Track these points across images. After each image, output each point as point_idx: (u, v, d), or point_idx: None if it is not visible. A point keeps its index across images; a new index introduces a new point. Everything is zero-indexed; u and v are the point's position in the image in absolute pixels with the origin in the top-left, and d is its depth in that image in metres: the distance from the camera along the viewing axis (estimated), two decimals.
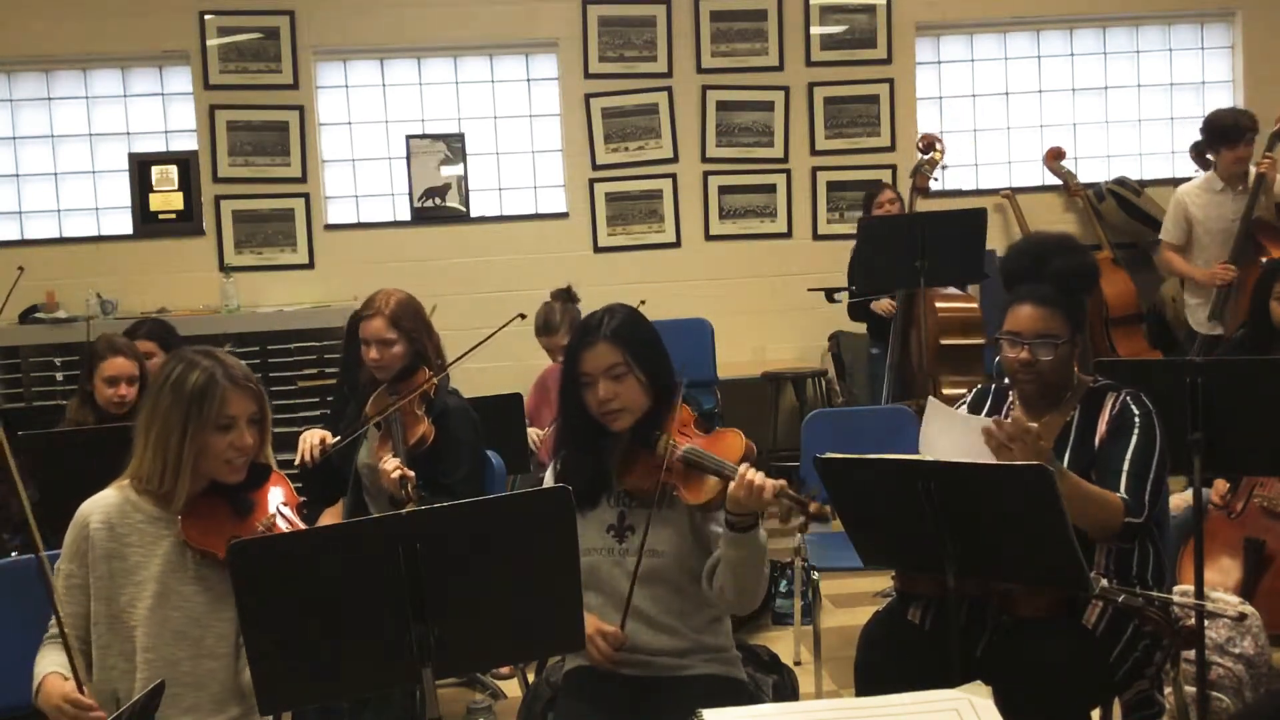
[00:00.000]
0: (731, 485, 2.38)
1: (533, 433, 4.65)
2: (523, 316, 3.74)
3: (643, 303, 3.04)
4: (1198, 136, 5.67)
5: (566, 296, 5.02)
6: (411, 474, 3.21)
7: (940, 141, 6.24)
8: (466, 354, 3.63)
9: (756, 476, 2.36)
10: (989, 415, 2.92)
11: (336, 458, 3.56)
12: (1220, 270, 5.43)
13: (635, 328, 2.63)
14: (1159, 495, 2.69)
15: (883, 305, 5.73)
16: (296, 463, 3.47)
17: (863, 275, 5.20)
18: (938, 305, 5.50)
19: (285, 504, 2.55)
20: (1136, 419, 2.73)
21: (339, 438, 3.52)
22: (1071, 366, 2.82)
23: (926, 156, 6.20)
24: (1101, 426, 2.76)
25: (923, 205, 6.09)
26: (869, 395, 6.06)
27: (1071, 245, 2.94)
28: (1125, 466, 2.67)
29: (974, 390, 3.04)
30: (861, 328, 6.29)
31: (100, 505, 2.46)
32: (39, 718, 2.59)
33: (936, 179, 6.31)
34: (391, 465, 3.23)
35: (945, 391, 5.20)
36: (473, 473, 3.53)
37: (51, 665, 2.36)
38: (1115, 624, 2.63)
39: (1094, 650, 2.60)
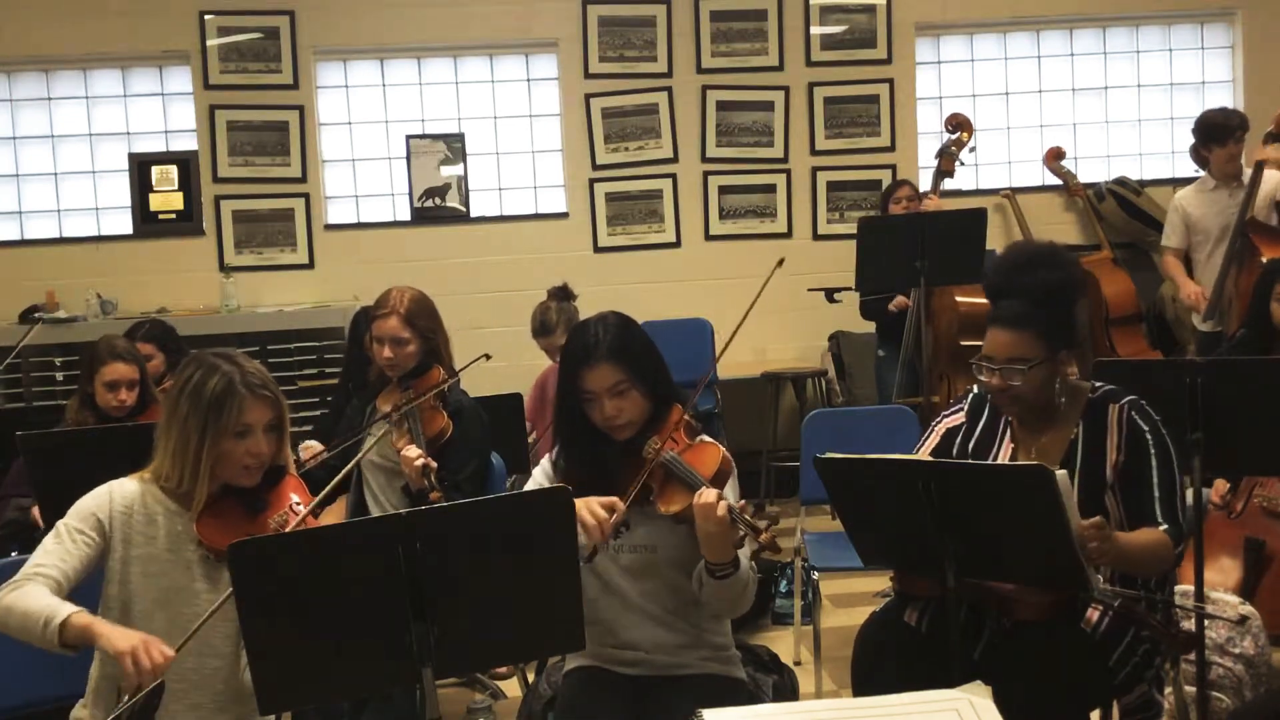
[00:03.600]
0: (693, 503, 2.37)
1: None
2: (487, 357, 3.59)
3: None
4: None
5: (562, 295, 5.01)
6: (434, 464, 3.22)
7: (970, 122, 6.17)
8: (469, 365, 3.61)
9: (711, 497, 2.35)
10: (986, 423, 2.88)
11: (338, 458, 3.56)
12: (1195, 296, 5.49)
13: (631, 340, 2.62)
14: (1185, 511, 2.64)
15: (897, 302, 5.71)
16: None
17: (863, 275, 5.19)
18: (958, 299, 5.49)
19: (299, 503, 2.56)
20: (1148, 435, 2.65)
21: (322, 450, 3.53)
22: (1053, 385, 2.71)
23: (954, 136, 6.14)
24: (1111, 449, 2.68)
25: (934, 202, 6.06)
26: (876, 398, 6.03)
27: (1050, 258, 2.79)
28: (1156, 493, 2.61)
29: (970, 395, 2.96)
30: (861, 327, 6.29)
31: (123, 490, 2.47)
32: (42, 716, 2.61)
33: (963, 162, 6.26)
34: (415, 453, 3.24)
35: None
36: (479, 472, 3.54)
37: (65, 604, 2.24)
38: (1115, 627, 2.61)
39: (1093, 654, 2.60)
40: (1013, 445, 2.81)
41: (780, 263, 2.81)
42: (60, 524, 2.42)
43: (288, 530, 2.47)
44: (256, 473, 2.49)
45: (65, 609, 2.22)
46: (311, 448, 3.85)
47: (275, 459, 2.53)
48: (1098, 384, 2.80)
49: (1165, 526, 2.58)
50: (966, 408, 2.93)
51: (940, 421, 2.97)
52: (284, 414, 2.53)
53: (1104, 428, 2.71)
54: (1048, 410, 2.75)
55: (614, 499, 2.46)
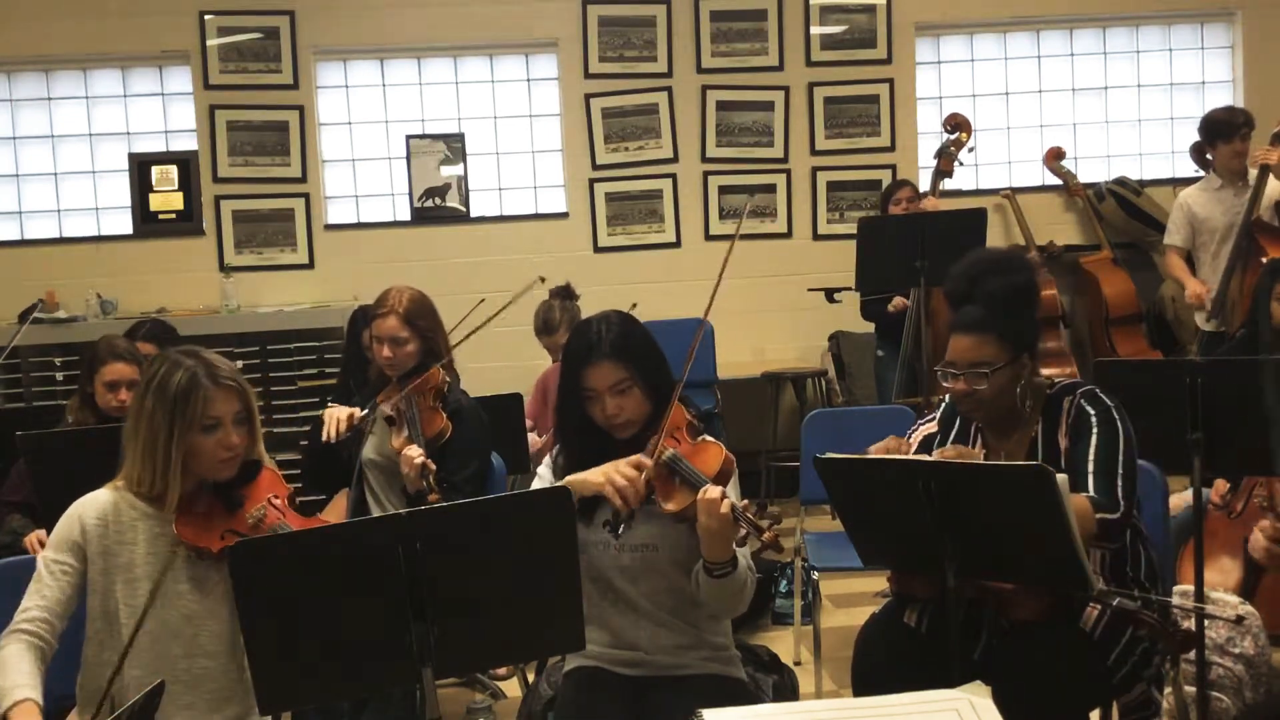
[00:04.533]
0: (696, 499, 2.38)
1: (536, 438, 4.65)
2: (543, 280, 3.52)
3: (634, 306, 3.04)
4: (1198, 137, 5.68)
5: (565, 294, 5.01)
6: (433, 464, 3.22)
7: (969, 122, 6.19)
8: (487, 322, 3.60)
9: (715, 493, 2.36)
10: (959, 432, 2.91)
11: (341, 446, 3.57)
12: (1200, 295, 5.46)
13: (633, 339, 2.62)
14: (1133, 487, 2.64)
15: (895, 303, 5.73)
16: (323, 439, 3.48)
17: (863, 275, 5.19)
18: None
19: (275, 496, 2.56)
20: (1093, 417, 2.68)
21: (366, 412, 3.52)
22: (1016, 389, 2.74)
23: (953, 136, 6.16)
24: (1061, 437, 2.72)
25: (933, 203, 6.07)
26: (876, 398, 6.04)
27: (1003, 264, 2.84)
28: (1090, 466, 2.63)
29: (943, 404, 2.98)
30: (861, 327, 6.28)
31: (94, 503, 2.46)
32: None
33: (962, 162, 6.28)
34: (415, 453, 3.23)
35: None
36: (479, 472, 3.54)
37: (25, 686, 2.23)
38: (1113, 627, 2.62)
39: (1091, 653, 2.60)
40: (984, 450, 2.83)
41: (752, 194, 2.79)
42: (39, 559, 2.43)
43: (266, 525, 2.48)
44: (233, 464, 2.49)
45: (9, 699, 2.21)
46: (339, 412, 3.84)
47: (249, 452, 2.53)
48: (1056, 380, 2.84)
49: (1092, 495, 2.58)
50: (939, 417, 2.98)
51: (916, 428, 3.00)
52: (251, 404, 2.51)
53: (1058, 419, 2.74)
54: (1012, 414, 2.78)
55: (639, 456, 2.47)
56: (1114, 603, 2.45)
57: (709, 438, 2.60)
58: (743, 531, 2.35)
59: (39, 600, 2.37)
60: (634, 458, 2.48)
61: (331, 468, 3.66)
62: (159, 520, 2.46)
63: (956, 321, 2.79)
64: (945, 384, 2.78)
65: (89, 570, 2.42)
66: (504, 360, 5.02)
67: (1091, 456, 2.64)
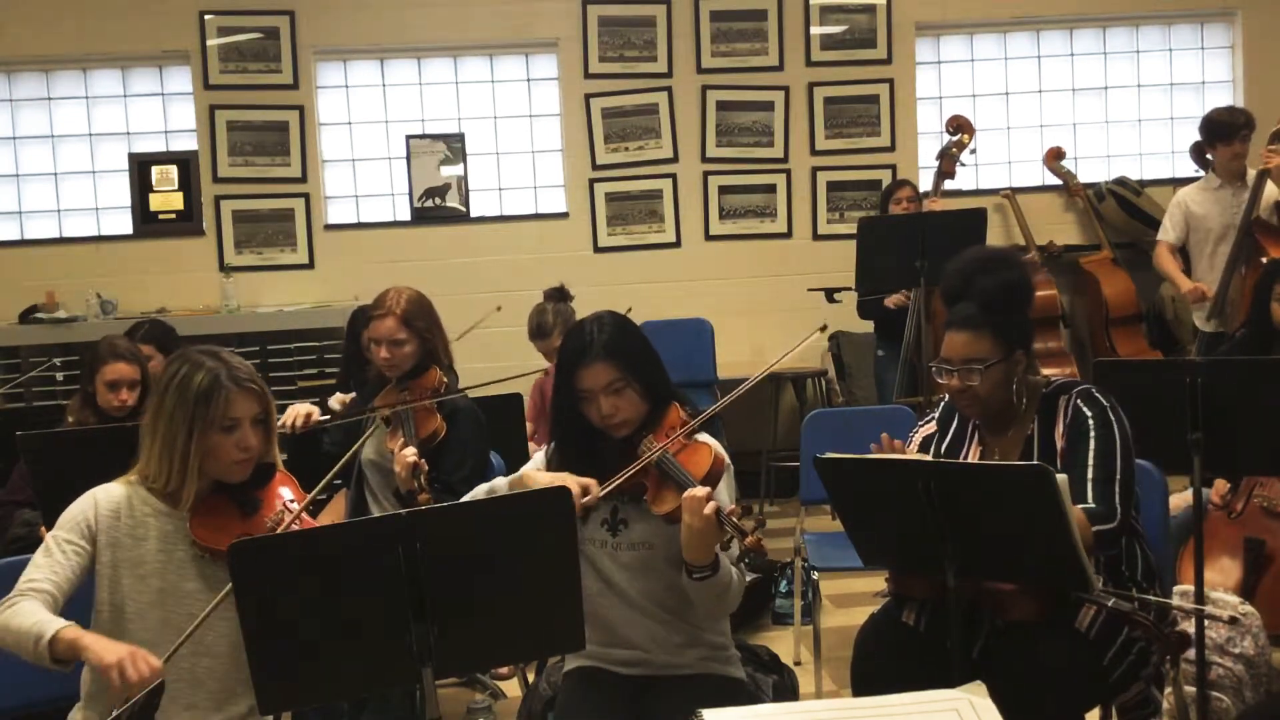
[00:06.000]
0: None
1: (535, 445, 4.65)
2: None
3: (629, 310, 3.05)
4: (1198, 137, 5.68)
5: (559, 296, 5.00)
6: (425, 465, 3.22)
7: (971, 124, 6.21)
8: (490, 383, 3.64)
9: (700, 493, 2.35)
10: (956, 430, 2.92)
11: (328, 443, 3.56)
12: (1197, 291, 5.45)
13: (626, 338, 2.62)
14: (1130, 493, 2.63)
15: (893, 299, 5.73)
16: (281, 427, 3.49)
17: (863, 275, 5.20)
18: None
19: (293, 501, 2.55)
20: (1090, 420, 2.68)
21: (327, 417, 3.52)
22: (1010, 386, 2.75)
23: (955, 138, 6.17)
24: (1058, 438, 2.72)
25: (937, 203, 6.07)
26: (875, 397, 6.04)
27: (997, 262, 2.85)
28: (1089, 473, 2.62)
29: (942, 404, 3.00)
30: (861, 327, 6.28)
31: (108, 495, 2.46)
32: (41, 717, 2.60)
33: (965, 164, 6.29)
34: (409, 453, 3.23)
35: None
36: (475, 473, 3.52)
37: (53, 620, 2.24)
38: (1110, 627, 2.62)
39: (1088, 653, 2.60)
40: (980, 448, 2.85)
41: (823, 328, 2.91)
42: (49, 536, 2.42)
43: (283, 529, 2.47)
44: (247, 466, 2.49)
45: (53, 625, 2.21)
46: (342, 399, 3.87)
47: (264, 455, 2.53)
48: (1052, 379, 2.85)
49: (1090, 505, 2.58)
50: (937, 416, 2.99)
51: (916, 430, 3.02)
52: (270, 407, 2.52)
53: (1054, 419, 2.75)
54: (1007, 411, 2.79)
55: (591, 481, 2.47)
56: (1109, 603, 2.45)
57: (704, 437, 2.60)
58: (726, 535, 2.34)
59: (49, 574, 2.34)
60: (587, 480, 2.46)
61: (307, 457, 3.62)
62: (172, 518, 2.46)
63: (950, 318, 2.81)
64: (940, 380, 2.81)
65: (98, 561, 2.42)
66: (503, 360, 5.01)
67: (1090, 463, 2.63)
